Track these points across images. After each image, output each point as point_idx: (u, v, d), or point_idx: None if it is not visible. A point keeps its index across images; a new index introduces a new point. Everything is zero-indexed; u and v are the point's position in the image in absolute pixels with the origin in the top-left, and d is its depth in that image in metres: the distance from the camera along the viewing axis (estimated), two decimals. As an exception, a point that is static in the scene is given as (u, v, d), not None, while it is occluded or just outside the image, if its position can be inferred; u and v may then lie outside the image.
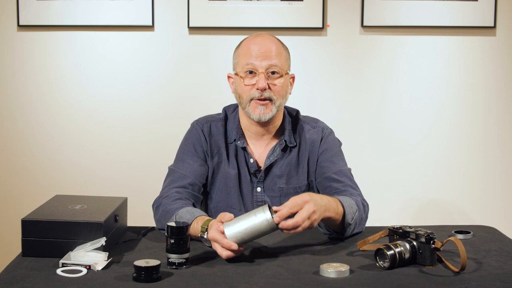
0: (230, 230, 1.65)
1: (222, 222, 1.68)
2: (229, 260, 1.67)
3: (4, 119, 3.17)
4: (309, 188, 2.10)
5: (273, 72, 2.00)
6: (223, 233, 1.66)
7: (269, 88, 1.99)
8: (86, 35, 3.12)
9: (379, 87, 3.18)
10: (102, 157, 3.18)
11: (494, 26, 3.12)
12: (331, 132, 2.15)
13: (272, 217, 1.64)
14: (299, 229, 1.67)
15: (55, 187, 3.06)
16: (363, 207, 1.96)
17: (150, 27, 3.11)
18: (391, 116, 3.19)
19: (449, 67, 3.18)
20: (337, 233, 1.91)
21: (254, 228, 1.65)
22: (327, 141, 2.11)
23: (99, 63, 3.15)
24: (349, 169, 2.10)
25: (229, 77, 2.11)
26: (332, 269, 1.56)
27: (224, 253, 1.66)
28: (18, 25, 3.09)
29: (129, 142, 3.17)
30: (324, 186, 2.05)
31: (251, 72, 2.00)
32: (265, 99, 1.99)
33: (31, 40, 3.12)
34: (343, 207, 1.84)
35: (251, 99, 2.00)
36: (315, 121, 2.17)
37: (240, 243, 1.66)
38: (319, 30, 3.12)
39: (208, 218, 1.79)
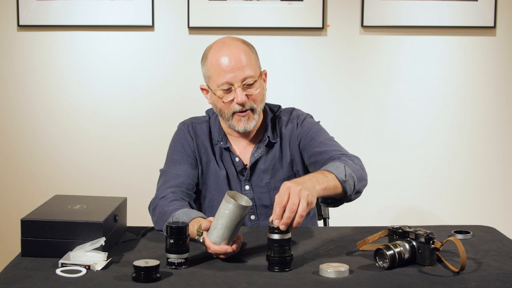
0: (214, 236, 1.65)
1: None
2: (229, 259, 1.67)
3: (4, 119, 3.17)
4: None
5: (248, 83, 1.99)
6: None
7: (248, 98, 1.99)
8: (86, 35, 3.12)
9: (379, 87, 3.18)
10: (102, 157, 3.18)
11: (494, 26, 3.12)
12: (305, 116, 2.15)
13: (237, 205, 1.62)
14: (300, 212, 1.59)
15: (55, 187, 3.06)
16: (353, 161, 1.92)
17: (150, 27, 3.11)
18: (391, 116, 3.19)
19: (449, 67, 3.18)
20: (341, 201, 1.87)
21: (231, 221, 1.63)
22: (303, 125, 2.11)
23: (99, 63, 3.15)
24: (332, 138, 2.09)
25: (202, 89, 2.09)
26: (331, 269, 1.56)
27: (220, 256, 1.67)
28: (18, 25, 3.09)
29: (129, 142, 3.18)
30: (312, 163, 2.04)
31: (227, 89, 1.99)
32: (246, 110, 2.00)
33: (31, 40, 3.12)
34: (331, 172, 1.80)
35: (233, 113, 2.00)
36: (290, 111, 2.17)
37: (230, 240, 1.66)
38: (319, 30, 3.12)
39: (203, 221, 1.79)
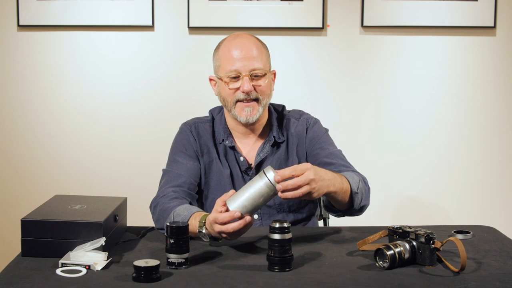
0: (233, 203, 1.66)
1: (224, 204, 1.69)
2: (229, 259, 1.67)
3: (4, 119, 3.17)
4: None
5: (256, 75, 2.02)
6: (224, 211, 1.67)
7: (254, 89, 2.01)
8: (86, 35, 3.12)
9: (379, 87, 3.18)
10: (102, 157, 3.18)
11: (494, 26, 3.12)
12: (315, 121, 2.17)
13: (270, 180, 1.64)
14: (299, 192, 1.67)
15: (55, 187, 3.06)
16: (363, 179, 1.99)
17: (150, 27, 3.11)
18: (391, 116, 3.19)
19: (449, 67, 3.18)
20: (344, 212, 1.95)
21: (255, 194, 1.65)
22: (313, 131, 2.13)
23: (99, 63, 3.15)
24: (340, 151, 2.13)
25: (211, 79, 2.12)
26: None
27: (229, 227, 1.65)
28: (18, 25, 3.09)
29: (129, 142, 3.18)
30: None
31: (234, 77, 2.01)
32: (251, 100, 2.01)
33: (31, 40, 3.12)
34: (347, 180, 1.87)
35: (237, 101, 2.02)
36: (299, 114, 2.19)
37: (245, 213, 1.66)
38: (319, 30, 3.12)
39: (205, 213, 1.80)
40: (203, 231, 1.73)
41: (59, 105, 3.16)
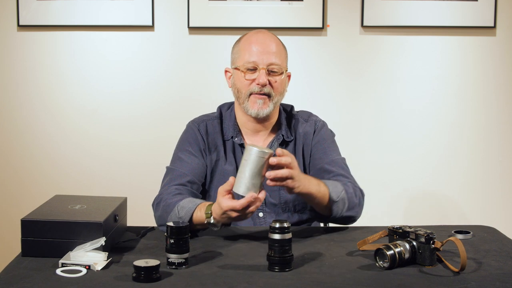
0: (239, 187, 1.70)
1: (227, 192, 1.73)
2: (229, 259, 1.67)
3: (4, 119, 3.17)
4: None
5: (273, 70, 2.04)
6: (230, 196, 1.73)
7: (269, 84, 2.03)
8: (86, 35, 3.12)
9: (379, 87, 3.18)
10: (102, 157, 3.18)
11: (494, 26, 3.12)
12: (323, 124, 2.19)
13: (260, 151, 1.69)
14: (286, 171, 1.73)
15: (55, 187, 3.06)
16: (354, 191, 1.99)
17: (150, 27, 3.11)
18: (391, 116, 3.19)
19: (449, 67, 3.18)
20: (326, 218, 1.97)
21: (253, 168, 1.69)
22: (320, 133, 2.15)
23: (99, 63, 3.15)
24: (343, 159, 2.13)
25: (226, 71, 2.14)
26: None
27: (248, 211, 1.71)
28: (18, 25, 3.09)
29: (129, 142, 3.17)
30: (315, 175, 2.07)
31: (251, 69, 2.03)
32: (264, 94, 2.03)
33: (31, 40, 3.12)
34: (326, 186, 1.89)
35: (250, 94, 2.04)
36: (308, 115, 2.21)
37: (256, 190, 1.70)
38: (319, 30, 3.12)
39: (209, 203, 1.81)
40: (212, 221, 1.76)
41: (59, 105, 3.16)
